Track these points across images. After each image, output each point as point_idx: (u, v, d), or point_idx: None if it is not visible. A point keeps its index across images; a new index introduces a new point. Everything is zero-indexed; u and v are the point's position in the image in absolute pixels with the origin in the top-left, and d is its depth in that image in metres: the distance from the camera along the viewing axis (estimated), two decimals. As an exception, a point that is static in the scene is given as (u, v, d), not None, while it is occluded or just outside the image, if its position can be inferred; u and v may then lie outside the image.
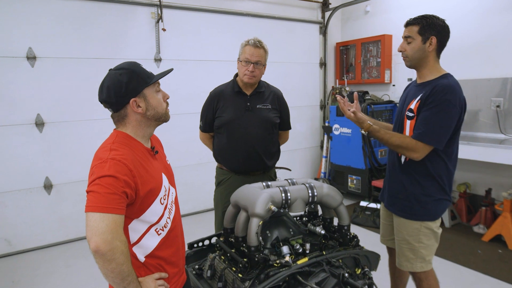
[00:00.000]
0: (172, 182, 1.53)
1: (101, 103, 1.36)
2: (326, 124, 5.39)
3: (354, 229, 1.89)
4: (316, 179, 5.96)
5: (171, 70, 1.46)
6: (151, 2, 4.15)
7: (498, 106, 3.98)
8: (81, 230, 3.89)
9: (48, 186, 3.78)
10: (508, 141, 3.84)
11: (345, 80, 5.53)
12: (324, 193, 1.86)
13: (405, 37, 1.96)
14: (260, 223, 1.68)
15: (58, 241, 3.87)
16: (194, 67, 4.53)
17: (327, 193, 1.87)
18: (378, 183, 4.56)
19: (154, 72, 1.42)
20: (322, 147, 5.76)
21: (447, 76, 1.93)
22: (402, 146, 1.89)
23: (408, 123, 1.98)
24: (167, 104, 1.46)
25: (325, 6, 5.54)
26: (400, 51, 2.01)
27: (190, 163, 4.62)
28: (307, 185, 1.87)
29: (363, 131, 2.01)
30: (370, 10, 5.36)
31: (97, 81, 1.39)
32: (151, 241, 1.35)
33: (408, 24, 1.95)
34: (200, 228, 3.85)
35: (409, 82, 2.26)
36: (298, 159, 5.58)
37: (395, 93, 5.22)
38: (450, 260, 3.33)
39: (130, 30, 4.10)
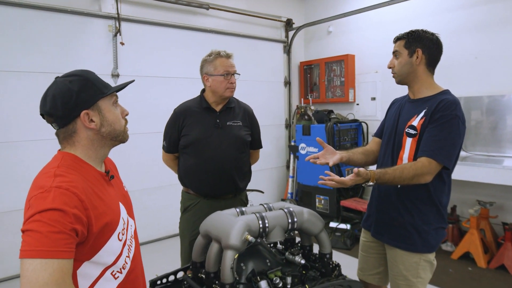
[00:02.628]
0: (130, 212, 1.29)
1: (44, 116, 1.12)
2: (292, 144, 5.29)
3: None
4: (283, 199, 5.78)
5: (132, 81, 1.27)
6: (109, 14, 3.88)
7: (459, 124, 4.08)
8: (23, 266, 3.41)
9: (-16, 216, 3.30)
10: (470, 158, 3.92)
11: (310, 99, 5.51)
12: (305, 219, 1.69)
13: (393, 52, 1.88)
14: (235, 256, 1.47)
15: (-5, 279, 3.37)
16: (153, 84, 4.27)
17: (308, 219, 1.70)
18: (347, 203, 4.48)
19: None
20: (288, 167, 5.64)
21: (449, 92, 1.83)
22: (418, 173, 1.64)
23: (409, 141, 1.80)
24: (126, 121, 1.24)
25: (288, 25, 5.54)
26: (390, 67, 1.90)
27: (149, 186, 4.28)
28: (285, 210, 1.69)
29: (370, 183, 1.65)
30: (333, 30, 5.42)
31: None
32: (106, 288, 1.10)
33: (397, 39, 1.88)
34: (160, 258, 3.53)
35: (396, 98, 2.10)
36: (265, 179, 5.41)
37: (359, 112, 5.25)
38: (423, 281, 3.26)
39: (85, 44, 3.79)
